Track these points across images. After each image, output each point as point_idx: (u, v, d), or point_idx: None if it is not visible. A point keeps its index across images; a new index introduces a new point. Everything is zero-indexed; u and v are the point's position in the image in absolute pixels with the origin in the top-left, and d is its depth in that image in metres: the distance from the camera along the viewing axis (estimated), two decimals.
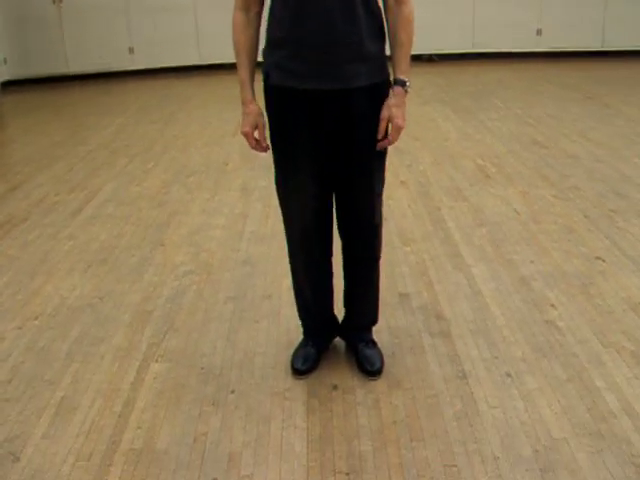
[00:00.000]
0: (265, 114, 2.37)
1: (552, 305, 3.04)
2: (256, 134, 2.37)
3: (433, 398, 2.48)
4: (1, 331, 3.10)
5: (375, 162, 2.41)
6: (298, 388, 2.55)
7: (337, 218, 2.54)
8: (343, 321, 2.79)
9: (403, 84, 2.29)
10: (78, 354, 2.88)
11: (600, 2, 9.08)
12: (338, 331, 2.81)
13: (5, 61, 9.80)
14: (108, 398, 2.58)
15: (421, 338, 2.83)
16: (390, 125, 2.31)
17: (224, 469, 2.20)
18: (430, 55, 9.39)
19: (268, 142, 2.40)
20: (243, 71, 2.33)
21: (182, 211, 4.43)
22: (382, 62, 2.31)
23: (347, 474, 2.15)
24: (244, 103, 2.35)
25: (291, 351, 2.73)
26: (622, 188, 4.41)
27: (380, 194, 2.48)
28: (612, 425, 2.30)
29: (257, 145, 2.40)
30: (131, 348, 2.89)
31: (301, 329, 2.77)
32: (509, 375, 2.58)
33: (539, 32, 9.23)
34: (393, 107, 2.28)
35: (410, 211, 4.18)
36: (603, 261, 3.43)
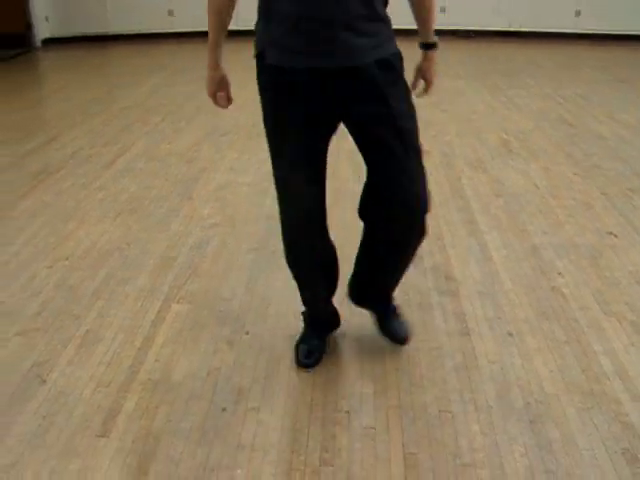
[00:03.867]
0: (260, 96, 2.25)
1: (559, 273, 3.14)
2: (221, 95, 2.39)
3: (436, 350, 2.61)
4: (33, 269, 3.28)
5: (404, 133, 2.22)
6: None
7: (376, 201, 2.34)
8: (359, 287, 2.63)
9: (433, 47, 2.39)
10: (104, 293, 3.05)
11: None
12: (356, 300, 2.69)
13: (47, 19, 9.99)
14: (130, 333, 2.75)
15: (430, 296, 2.96)
16: (424, 84, 2.44)
17: (233, 401, 2.36)
18: (468, 31, 9.39)
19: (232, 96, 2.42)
20: (213, 34, 2.26)
21: (210, 168, 4.58)
22: (388, 36, 2.18)
23: (347, 412, 2.29)
24: (209, 67, 2.32)
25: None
26: None
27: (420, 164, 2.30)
28: (604, 386, 2.41)
29: (218, 104, 2.42)
30: (154, 289, 3.06)
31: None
32: (510, 334, 2.70)
33: (578, 13, 9.18)
34: (430, 69, 2.42)
35: (431, 178, 4.25)
36: (615, 236, 3.51)
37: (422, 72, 2.42)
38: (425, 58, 2.41)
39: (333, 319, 2.70)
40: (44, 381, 2.48)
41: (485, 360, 2.55)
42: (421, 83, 2.44)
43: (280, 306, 2.90)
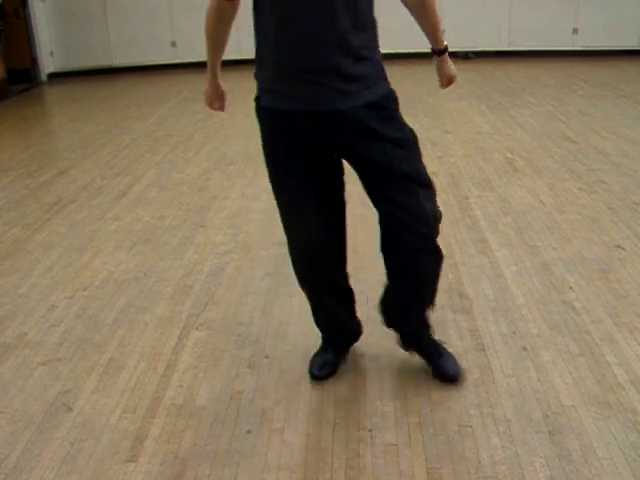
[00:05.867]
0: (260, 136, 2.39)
1: (570, 288, 3.19)
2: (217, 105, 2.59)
3: None
4: (53, 300, 3.35)
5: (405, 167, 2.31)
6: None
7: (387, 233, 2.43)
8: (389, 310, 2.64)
9: (445, 51, 2.48)
10: (124, 321, 3.11)
11: (637, 1, 9.13)
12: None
13: (52, 53, 10.16)
14: (152, 360, 2.81)
15: (444, 314, 3.01)
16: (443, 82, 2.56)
17: (257, 423, 2.41)
18: (466, 52, 9.51)
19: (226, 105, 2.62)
20: (211, 57, 2.45)
21: (222, 196, 4.66)
22: (377, 77, 2.26)
23: (370, 430, 2.34)
24: (210, 85, 2.53)
25: None
26: None
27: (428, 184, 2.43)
28: (619, 396, 2.45)
29: (215, 109, 2.62)
30: (173, 317, 3.12)
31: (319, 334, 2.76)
32: (525, 349, 2.75)
33: (575, 31, 9.32)
34: (448, 69, 2.51)
35: (439, 199, 4.32)
36: (623, 249, 3.57)
37: (442, 73, 2.53)
38: (440, 62, 2.51)
39: (350, 335, 2.76)
40: (70, 409, 2.54)
41: (501, 375, 2.60)
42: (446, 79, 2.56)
43: (297, 328, 2.96)
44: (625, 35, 9.27)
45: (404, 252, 2.41)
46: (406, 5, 2.33)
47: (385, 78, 2.30)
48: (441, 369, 2.58)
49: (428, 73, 6.59)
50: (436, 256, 2.49)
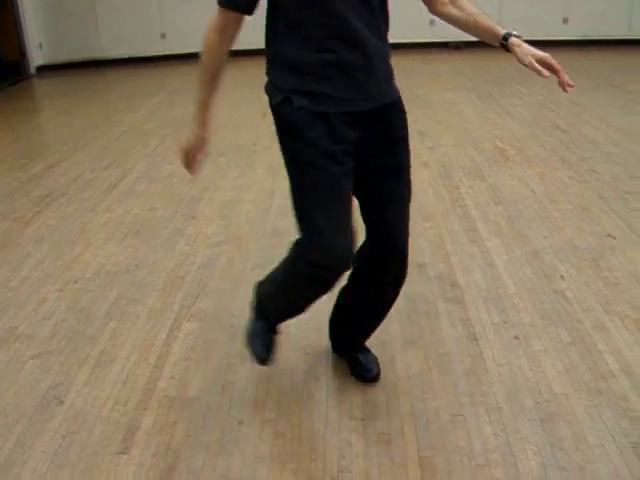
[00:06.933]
0: (284, 138, 2.17)
1: (561, 276, 3.20)
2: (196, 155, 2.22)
3: (445, 357, 2.66)
4: (44, 293, 3.34)
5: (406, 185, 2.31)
6: (320, 345, 2.73)
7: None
8: (338, 335, 2.65)
9: (510, 36, 2.06)
10: (115, 314, 3.11)
11: None
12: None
13: (41, 46, 10.10)
14: (143, 352, 2.80)
15: (436, 303, 3.01)
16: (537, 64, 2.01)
17: (249, 414, 2.41)
18: (457, 43, 9.49)
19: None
20: (205, 92, 2.13)
21: (213, 188, 4.65)
22: (393, 76, 2.20)
23: (362, 419, 2.34)
24: (198, 124, 2.18)
25: (314, 315, 2.66)
26: (638, 171, 4.53)
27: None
28: (611, 384, 2.46)
29: (189, 165, 2.25)
30: (164, 309, 3.11)
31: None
32: (517, 338, 2.75)
33: (565, 21, 9.32)
34: (526, 53, 2.02)
35: (431, 189, 4.36)
36: (614, 238, 3.58)
37: (526, 57, 2.02)
38: (515, 47, 2.04)
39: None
40: (62, 402, 2.53)
41: (493, 364, 2.60)
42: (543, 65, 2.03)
43: (289, 320, 2.94)
44: (615, 24, 9.27)
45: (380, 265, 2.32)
46: (448, 20, 2.18)
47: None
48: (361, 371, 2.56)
49: (417, 64, 6.58)
50: (404, 277, 2.40)
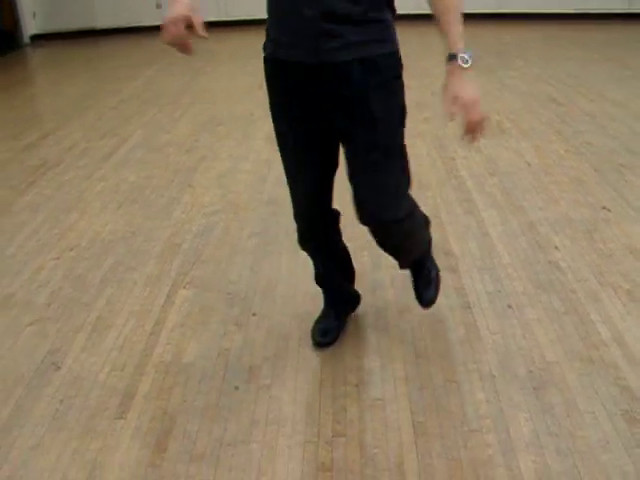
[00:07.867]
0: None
1: (556, 247, 3.22)
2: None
3: (439, 324, 2.69)
4: (40, 261, 3.35)
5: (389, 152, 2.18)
6: (315, 312, 2.74)
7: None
8: None
9: (453, 58, 1.91)
10: (112, 281, 3.12)
11: None
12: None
13: (34, 15, 9.99)
14: (140, 318, 2.82)
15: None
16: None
17: (245, 379, 2.43)
18: None
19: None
20: None
21: (210, 157, 4.64)
22: (380, 37, 2.03)
23: (356, 385, 2.37)
24: None
25: (310, 282, 2.72)
26: (634, 145, 4.53)
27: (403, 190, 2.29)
28: (602, 352, 2.49)
29: (177, 40, 1.84)
30: (161, 276, 3.13)
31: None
32: (510, 307, 2.78)
33: None
34: (450, 87, 1.91)
35: (426, 160, 4.36)
36: (609, 210, 3.59)
37: (447, 90, 1.93)
38: (448, 74, 1.93)
39: (350, 298, 2.74)
40: (59, 367, 2.55)
41: (487, 332, 2.63)
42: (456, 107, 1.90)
43: (286, 287, 2.98)
44: None
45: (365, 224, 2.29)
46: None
47: (390, 40, 2.09)
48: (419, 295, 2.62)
49: (416, 35, 6.53)
50: (401, 236, 2.35)
